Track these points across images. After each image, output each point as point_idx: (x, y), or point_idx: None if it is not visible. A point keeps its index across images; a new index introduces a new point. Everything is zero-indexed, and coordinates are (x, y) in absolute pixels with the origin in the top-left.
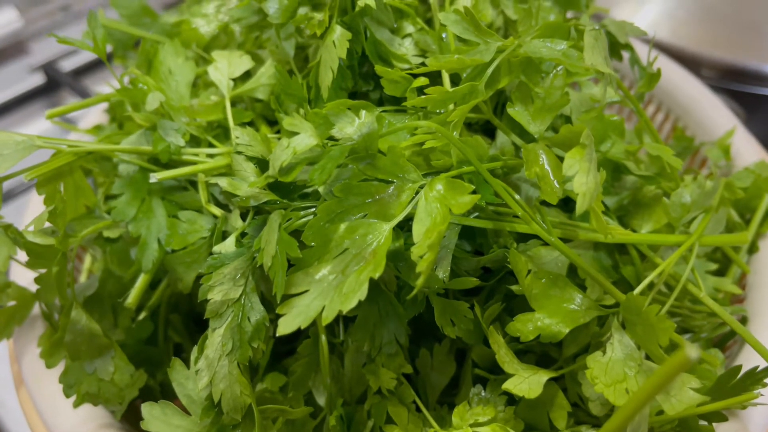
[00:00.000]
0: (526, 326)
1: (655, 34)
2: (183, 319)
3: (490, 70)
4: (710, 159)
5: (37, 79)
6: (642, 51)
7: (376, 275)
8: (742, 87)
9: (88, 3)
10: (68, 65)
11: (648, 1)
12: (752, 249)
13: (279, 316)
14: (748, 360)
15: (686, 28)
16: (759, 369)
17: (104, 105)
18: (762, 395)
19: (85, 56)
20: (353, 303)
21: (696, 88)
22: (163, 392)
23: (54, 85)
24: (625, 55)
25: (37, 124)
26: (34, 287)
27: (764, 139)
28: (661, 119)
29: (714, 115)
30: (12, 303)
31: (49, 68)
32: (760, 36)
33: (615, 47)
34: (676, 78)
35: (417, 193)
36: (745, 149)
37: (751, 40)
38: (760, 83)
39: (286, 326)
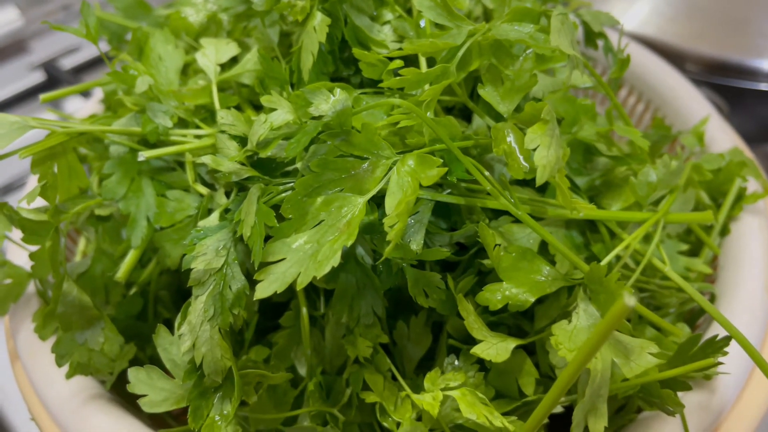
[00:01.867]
0: (494, 295)
1: (641, 31)
2: (172, 296)
3: (461, 53)
4: (686, 146)
5: (38, 77)
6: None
7: (349, 243)
8: (725, 81)
9: (89, 2)
10: (68, 63)
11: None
12: (724, 231)
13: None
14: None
15: (672, 24)
16: (719, 337)
17: (100, 96)
18: (723, 363)
19: (85, 54)
20: (327, 269)
21: (675, 80)
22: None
23: (54, 82)
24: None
25: None
26: (29, 267)
27: (746, 131)
28: (641, 110)
29: (691, 105)
30: (8, 281)
31: (49, 66)
32: (742, 31)
33: (590, 36)
34: (656, 69)
35: (390, 168)
36: (720, 136)
37: (734, 35)
38: (742, 77)
39: (263, 291)
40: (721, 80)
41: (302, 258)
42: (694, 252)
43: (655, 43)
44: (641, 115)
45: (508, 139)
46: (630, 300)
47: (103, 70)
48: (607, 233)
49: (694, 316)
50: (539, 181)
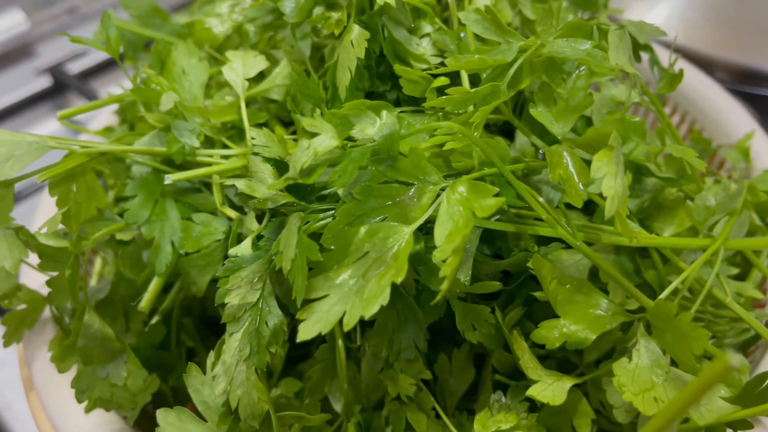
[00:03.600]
0: (551, 333)
1: (672, 36)
2: (195, 323)
3: (512, 71)
4: (729, 161)
5: (44, 82)
6: (659, 53)
7: (398, 280)
8: (756, 89)
9: (95, 5)
10: (75, 68)
11: (658, 3)
12: None
13: (294, 319)
14: None
15: (698, 30)
16: None
17: (114, 107)
18: None
19: (92, 59)
20: (375, 308)
21: (713, 90)
22: (176, 397)
23: (61, 87)
24: (644, 56)
25: (44, 127)
26: (44, 290)
27: None
28: (677, 121)
29: (732, 118)
30: (22, 306)
31: (56, 71)
32: None
33: (634, 48)
34: (692, 80)
35: (438, 195)
36: (765, 151)
37: (764, 42)
38: None
39: (306, 332)
40: (751, 89)
41: (347, 295)
42: (741, 275)
43: (681, 50)
44: (677, 126)
45: (565, 163)
46: (735, 360)
47: (112, 75)
48: (660, 259)
49: (746, 344)
50: (608, 215)
